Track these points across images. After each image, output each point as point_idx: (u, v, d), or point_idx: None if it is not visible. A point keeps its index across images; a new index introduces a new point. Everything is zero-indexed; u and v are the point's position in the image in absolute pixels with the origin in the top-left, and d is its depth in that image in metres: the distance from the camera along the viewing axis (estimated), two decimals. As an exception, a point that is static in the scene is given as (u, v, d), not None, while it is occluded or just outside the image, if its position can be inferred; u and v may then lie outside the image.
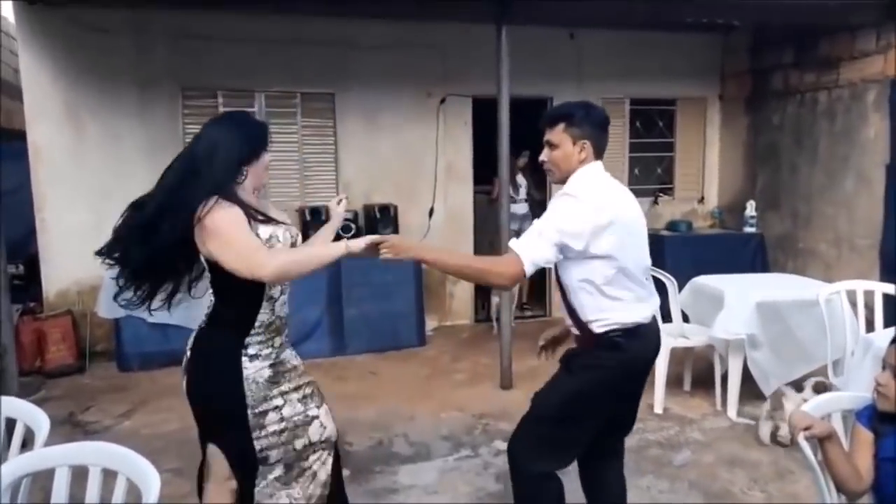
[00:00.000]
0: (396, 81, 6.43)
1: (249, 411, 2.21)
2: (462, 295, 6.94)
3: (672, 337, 4.46)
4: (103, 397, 4.89)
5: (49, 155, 5.73)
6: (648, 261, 2.45)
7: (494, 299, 6.21)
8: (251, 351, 2.24)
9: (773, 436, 3.89)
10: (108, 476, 1.66)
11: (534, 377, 5.15)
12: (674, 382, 4.70)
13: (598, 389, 2.34)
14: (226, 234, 2.05)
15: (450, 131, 6.69)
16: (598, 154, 2.42)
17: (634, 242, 2.35)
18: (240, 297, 2.22)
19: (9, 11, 6.40)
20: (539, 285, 7.28)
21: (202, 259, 2.25)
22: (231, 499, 2.30)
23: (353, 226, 5.88)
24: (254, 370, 2.24)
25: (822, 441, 1.95)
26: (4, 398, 2.07)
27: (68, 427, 4.33)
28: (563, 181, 2.38)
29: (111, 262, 2.34)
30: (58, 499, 1.68)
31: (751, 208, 6.82)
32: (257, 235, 2.15)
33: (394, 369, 5.42)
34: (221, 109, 6.10)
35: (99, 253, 2.34)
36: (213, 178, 2.12)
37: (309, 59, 6.21)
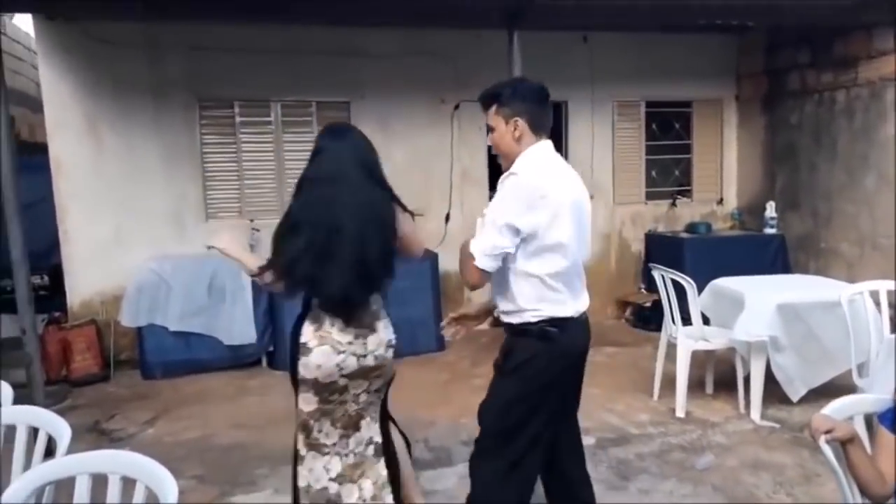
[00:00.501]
0: (410, 88, 6.46)
1: None
2: (480, 300, 6.92)
3: (692, 340, 4.43)
4: (127, 405, 4.95)
5: (70, 167, 5.82)
6: (588, 254, 2.46)
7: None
8: None
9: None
10: (129, 484, 1.68)
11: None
12: (695, 386, 4.66)
13: (534, 384, 2.30)
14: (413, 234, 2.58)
15: (464, 137, 6.70)
16: (537, 130, 2.33)
17: (580, 235, 2.34)
18: None
19: (30, 27, 6.53)
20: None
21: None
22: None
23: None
24: None
25: (845, 444, 1.92)
26: (27, 408, 2.11)
27: (94, 435, 4.39)
28: (510, 166, 2.32)
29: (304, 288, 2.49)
30: (80, 506, 1.71)
31: (770, 209, 6.75)
32: None
33: (413, 375, 5.42)
34: (238, 120, 6.18)
35: (294, 285, 2.46)
36: (389, 188, 2.51)
37: (323, 69, 6.25)
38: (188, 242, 6.05)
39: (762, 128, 7.13)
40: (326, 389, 2.50)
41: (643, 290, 7.05)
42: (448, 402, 4.82)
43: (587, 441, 3.98)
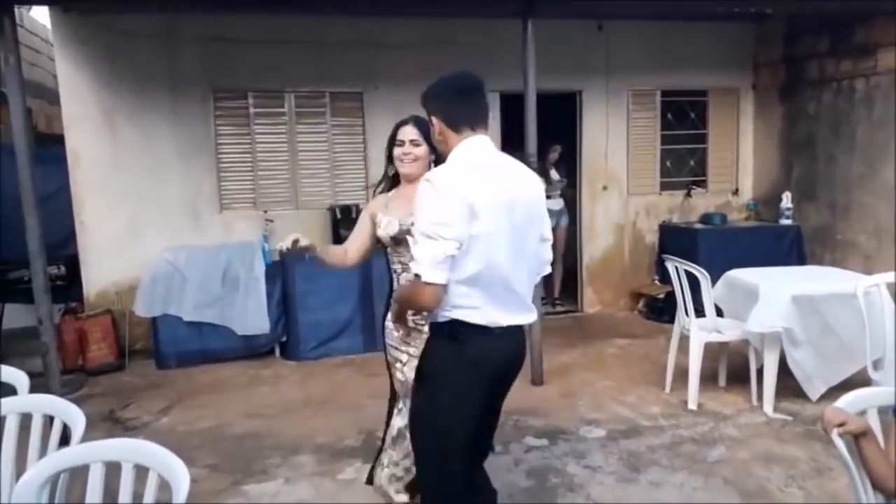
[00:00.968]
0: (423, 79, 6.32)
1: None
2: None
3: (706, 331, 4.40)
4: (142, 394, 5.01)
5: (86, 159, 5.87)
6: (542, 262, 2.28)
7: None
8: None
9: None
10: (142, 472, 1.70)
11: (565, 373, 5.15)
12: (708, 378, 4.64)
13: (444, 386, 2.17)
14: None
15: (478, 127, 6.66)
16: (456, 126, 2.17)
17: (515, 239, 2.12)
18: None
19: (47, 19, 6.58)
20: (571, 280, 7.25)
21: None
22: None
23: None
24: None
25: (858, 438, 1.90)
26: (43, 396, 2.14)
27: (109, 423, 4.45)
28: None
29: None
30: (93, 493, 1.73)
31: (786, 199, 6.68)
32: None
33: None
34: (252, 111, 6.19)
35: None
36: None
37: (336, 59, 6.25)
38: (203, 233, 6.09)
39: (779, 117, 7.04)
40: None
41: (657, 282, 7.01)
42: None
43: (597, 433, 4.02)
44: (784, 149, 7.01)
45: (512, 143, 6.76)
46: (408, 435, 2.54)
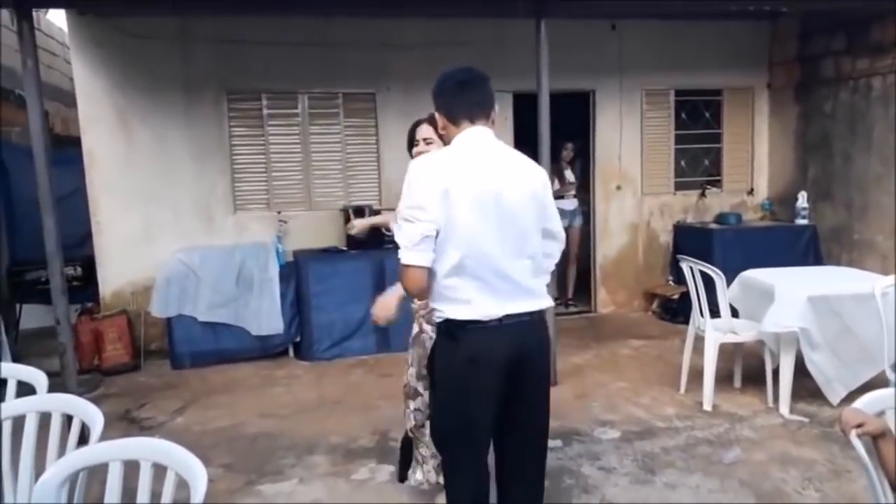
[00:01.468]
0: (435, 79, 6.42)
1: None
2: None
3: (721, 332, 4.37)
4: (157, 394, 5.04)
5: (102, 161, 5.92)
6: (528, 249, 2.17)
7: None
8: None
9: None
10: (159, 470, 1.71)
11: (579, 374, 5.13)
12: (723, 379, 4.60)
13: (447, 384, 2.20)
14: None
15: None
16: (456, 119, 2.23)
17: (493, 229, 2.09)
18: None
19: (63, 22, 6.64)
20: (584, 281, 7.22)
21: None
22: None
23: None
24: None
25: (876, 439, 1.88)
26: (62, 395, 2.16)
27: (125, 423, 4.48)
28: None
29: None
30: (112, 492, 1.74)
31: (802, 199, 6.63)
32: None
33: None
34: (265, 112, 6.22)
35: None
36: None
37: (349, 60, 6.26)
38: (217, 234, 6.13)
39: (794, 116, 6.98)
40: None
41: (671, 282, 6.97)
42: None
43: (612, 434, 4.00)
44: (799, 148, 6.95)
45: (525, 143, 6.77)
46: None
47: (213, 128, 6.13)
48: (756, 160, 7.42)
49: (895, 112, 5.79)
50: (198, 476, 1.60)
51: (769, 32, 7.20)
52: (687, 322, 4.70)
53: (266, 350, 5.76)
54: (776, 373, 4.29)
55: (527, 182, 2.20)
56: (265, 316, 5.67)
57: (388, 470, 3.56)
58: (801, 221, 6.64)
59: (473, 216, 2.07)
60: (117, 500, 1.75)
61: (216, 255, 5.82)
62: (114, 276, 6.01)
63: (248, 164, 6.30)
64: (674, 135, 7.18)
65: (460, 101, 2.24)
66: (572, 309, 7.16)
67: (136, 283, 5.99)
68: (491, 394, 2.16)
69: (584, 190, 7.17)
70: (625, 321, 6.80)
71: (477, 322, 2.10)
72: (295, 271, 5.83)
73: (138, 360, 5.77)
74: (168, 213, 6.07)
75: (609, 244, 7.15)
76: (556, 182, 6.72)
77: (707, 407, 4.34)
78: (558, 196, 6.26)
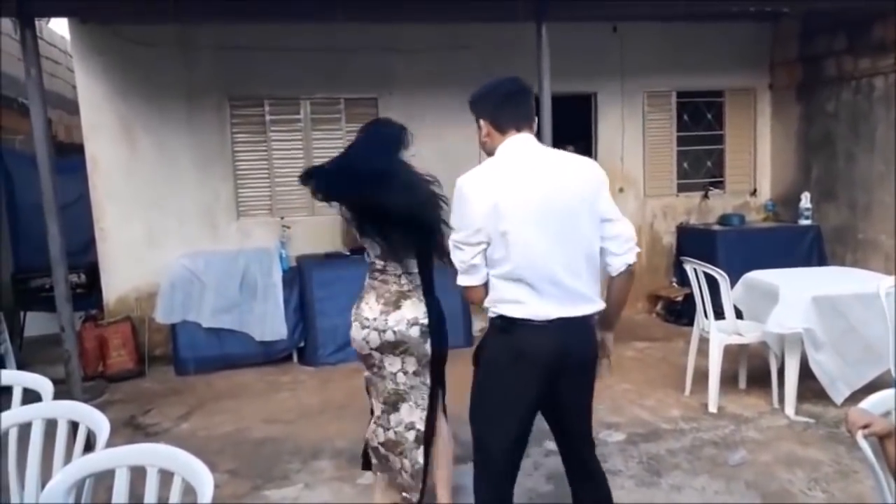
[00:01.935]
0: (438, 84, 6.44)
1: None
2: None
3: (725, 333, 4.37)
4: (162, 400, 5.05)
5: (105, 167, 5.94)
6: (582, 250, 2.20)
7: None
8: None
9: None
10: (166, 476, 1.71)
11: (583, 376, 5.11)
12: (728, 380, 4.60)
13: (492, 376, 2.27)
14: None
15: (493, 131, 6.66)
16: (502, 127, 2.29)
17: (552, 234, 2.15)
18: None
19: (65, 30, 6.67)
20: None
21: None
22: None
23: None
24: None
25: (883, 439, 1.88)
26: (68, 402, 2.16)
27: (130, 429, 4.48)
28: None
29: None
30: (119, 498, 1.75)
31: (805, 200, 6.62)
32: None
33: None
34: (268, 118, 6.24)
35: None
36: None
37: (351, 65, 6.28)
38: (220, 240, 6.14)
39: (797, 117, 6.98)
40: (365, 361, 2.89)
41: (675, 284, 6.96)
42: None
43: (617, 436, 3.99)
44: (802, 148, 6.95)
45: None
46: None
47: (216, 134, 6.14)
48: (758, 161, 7.42)
49: (897, 111, 5.78)
50: (204, 481, 1.60)
51: (770, 33, 7.21)
52: (691, 324, 4.70)
53: (270, 355, 5.77)
54: (781, 374, 4.28)
55: (576, 184, 2.22)
56: (269, 321, 5.68)
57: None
58: (804, 222, 6.63)
59: (525, 227, 2.13)
60: (124, 506, 1.75)
61: (220, 260, 5.83)
62: (118, 283, 6.02)
63: (250, 170, 6.31)
64: (676, 136, 7.18)
65: (506, 111, 2.30)
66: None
67: (140, 290, 6.01)
68: (533, 390, 2.23)
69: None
70: (629, 323, 6.78)
71: (528, 321, 2.17)
72: (298, 277, 5.84)
73: (143, 366, 5.78)
74: (171, 219, 6.08)
75: (612, 246, 7.13)
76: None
77: (712, 408, 4.33)
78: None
